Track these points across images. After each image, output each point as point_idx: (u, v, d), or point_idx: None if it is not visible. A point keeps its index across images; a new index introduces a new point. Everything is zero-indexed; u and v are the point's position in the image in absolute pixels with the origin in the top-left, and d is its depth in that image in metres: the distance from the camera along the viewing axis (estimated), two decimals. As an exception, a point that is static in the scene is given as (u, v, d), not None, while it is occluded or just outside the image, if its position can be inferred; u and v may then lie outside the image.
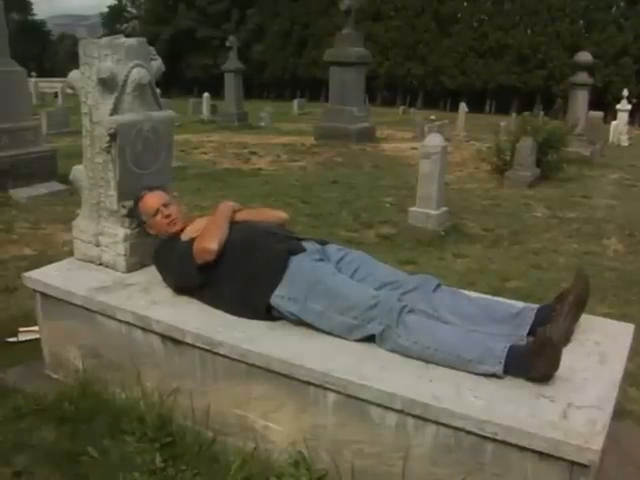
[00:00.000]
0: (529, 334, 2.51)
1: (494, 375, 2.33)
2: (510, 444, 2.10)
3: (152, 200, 3.26)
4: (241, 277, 2.83)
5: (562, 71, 36.74)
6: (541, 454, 2.05)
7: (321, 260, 2.83)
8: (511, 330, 2.55)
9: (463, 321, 2.61)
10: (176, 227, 3.22)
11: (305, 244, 2.93)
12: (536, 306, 2.68)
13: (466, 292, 2.84)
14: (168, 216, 3.22)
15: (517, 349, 2.34)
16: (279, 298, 2.73)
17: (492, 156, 11.49)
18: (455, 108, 25.85)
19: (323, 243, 3.06)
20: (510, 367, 2.31)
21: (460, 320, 2.61)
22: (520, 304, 2.77)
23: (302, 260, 2.79)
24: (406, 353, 2.47)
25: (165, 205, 3.25)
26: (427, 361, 2.44)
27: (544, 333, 2.26)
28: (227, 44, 21.45)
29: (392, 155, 14.35)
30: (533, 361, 2.25)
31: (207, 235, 2.91)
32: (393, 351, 2.50)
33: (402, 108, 34.23)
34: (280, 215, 3.33)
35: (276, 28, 51.09)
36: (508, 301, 2.86)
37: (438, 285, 2.81)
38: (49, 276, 3.43)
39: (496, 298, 2.87)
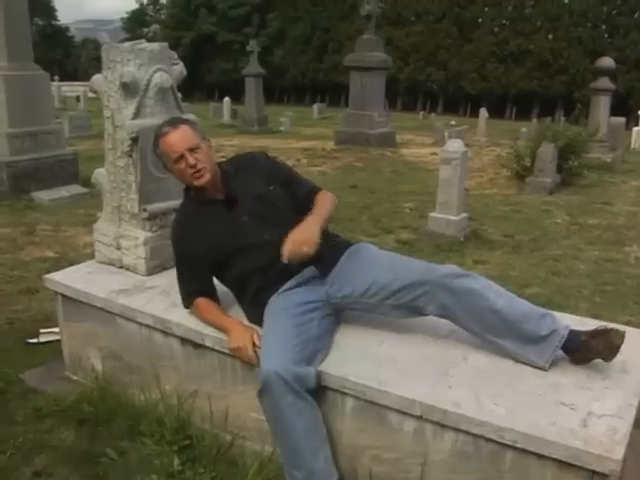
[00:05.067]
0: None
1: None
2: (530, 452, 2.08)
3: (175, 142, 2.66)
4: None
5: (583, 76, 36.57)
6: (561, 463, 2.03)
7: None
8: (534, 356, 2.40)
9: (482, 329, 2.46)
10: (202, 180, 2.67)
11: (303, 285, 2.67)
12: (565, 330, 2.40)
13: (493, 294, 2.44)
14: (194, 166, 2.64)
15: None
16: None
17: (512, 162, 11.42)
18: (475, 113, 25.76)
19: (347, 246, 2.82)
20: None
21: (479, 327, 2.47)
22: (549, 320, 2.43)
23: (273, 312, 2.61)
24: None
25: (192, 150, 2.65)
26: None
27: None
28: (248, 48, 21.53)
29: (412, 160, 14.32)
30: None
31: (199, 311, 2.84)
32: None
33: (422, 113, 34.26)
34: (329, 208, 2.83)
35: (297, 33, 51.33)
36: (537, 311, 2.45)
37: (464, 275, 2.48)
38: (70, 278, 3.45)
39: (524, 307, 2.46)
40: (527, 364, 2.41)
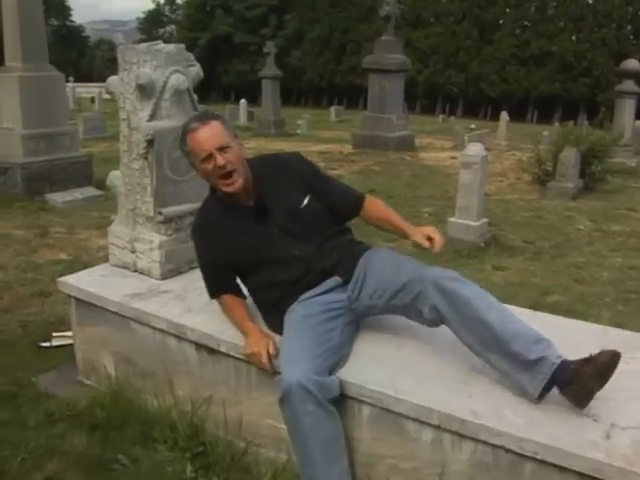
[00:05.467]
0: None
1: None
2: (550, 464, 2.06)
3: (204, 139, 2.52)
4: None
5: (608, 79, 36.35)
6: (582, 475, 2.01)
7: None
8: (526, 382, 2.23)
9: (475, 341, 2.35)
10: (233, 186, 2.56)
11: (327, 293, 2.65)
12: (557, 359, 2.21)
13: (485, 305, 2.33)
14: (223, 167, 2.51)
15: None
16: None
17: (534, 166, 11.37)
18: (496, 117, 25.69)
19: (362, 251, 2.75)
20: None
21: (472, 338, 2.35)
22: (542, 346, 2.24)
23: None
24: None
25: (221, 149, 2.51)
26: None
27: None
28: (265, 50, 21.59)
29: (431, 164, 14.29)
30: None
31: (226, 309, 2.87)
32: None
33: (442, 116, 34.16)
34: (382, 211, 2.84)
35: (314, 34, 51.39)
36: (531, 334, 2.28)
37: (457, 280, 2.40)
38: (83, 281, 3.48)
39: (518, 327, 2.31)
40: (519, 389, 2.28)
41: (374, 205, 2.84)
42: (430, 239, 2.56)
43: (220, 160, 2.50)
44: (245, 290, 2.87)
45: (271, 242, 2.63)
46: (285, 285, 2.65)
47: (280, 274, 2.64)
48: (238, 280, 2.86)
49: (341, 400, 2.45)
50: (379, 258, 2.68)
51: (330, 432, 2.34)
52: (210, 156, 2.51)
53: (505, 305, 2.44)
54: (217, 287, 2.85)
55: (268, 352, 2.54)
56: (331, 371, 2.43)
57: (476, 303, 2.32)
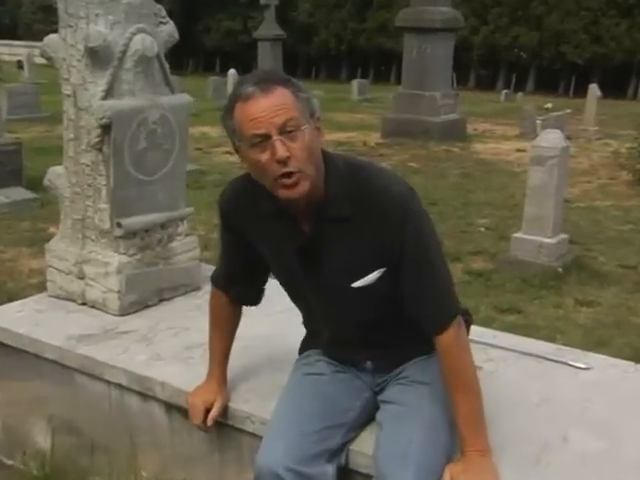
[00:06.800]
0: None
1: None
2: None
3: (261, 111, 2.18)
4: None
5: None
6: None
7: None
8: None
9: None
10: (292, 191, 2.26)
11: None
12: None
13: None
14: (284, 162, 2.19)
15: None
16: None
17: (636, 161, 11.36)
18: (582, 92, 25.64)
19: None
20: None
21: None
22: None
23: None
24: None
25: (287, 131, 2.19)
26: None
27: None
28: (261, 2, 21.73)
29: (489, 159, 14.32)
30: None
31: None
32: None
33: (505, 92, 34.13)
34: None
35: (329, -20, 51.34)
36: None
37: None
38: (9, 319, 3.50)
39: None
40: None
41: (446, 359, 2.44)
42: None
43: (281, 150, 2.17)
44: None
45: (305, 296, 2.63)
46: (309, 325, 2.79)
47: (304, 316, 2.77)
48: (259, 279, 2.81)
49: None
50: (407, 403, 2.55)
51: None
52: (266, 139, 2.18)
53: None
54: (223, 276, 2.79)
55: (208, 411, 2.68)
56: (332, 457, 2.43)
57: None
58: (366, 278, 2.42)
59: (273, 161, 2.18)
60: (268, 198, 2.39)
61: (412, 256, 2.38)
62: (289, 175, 2.20)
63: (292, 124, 2.18)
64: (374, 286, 2.44)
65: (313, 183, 2.27)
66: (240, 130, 2.23)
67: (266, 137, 2.17)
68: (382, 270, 2.41)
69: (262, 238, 2.56)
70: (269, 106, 2.16)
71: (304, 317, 2.79)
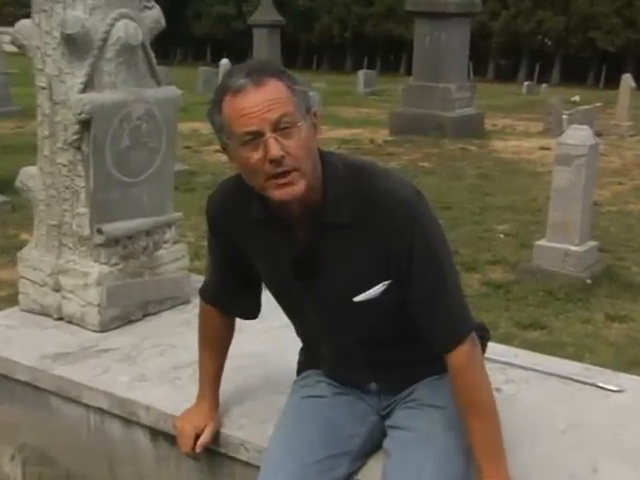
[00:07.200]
0: None
1: None
2: None
3: (252, 106, 2.17)
4: None
5: None
6: None
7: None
8: None
9: None
10: (286, 192, 2.23)
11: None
12: None
13: None
14: (277, 161, 2.17)
15: None
16: None
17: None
18: (614, 83, 25.67)
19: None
20: None
21: None
22: None
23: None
24: None
25: (281, 128, 2.18)
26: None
27: None
28: (257, -16, 21.78)
29: (509, 158, 14.34)
30: None
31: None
32: None
33: (527, 84, 34.17)
34: None
35: (333, -40, 51.39)
36: None
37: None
38: (-22, 336, 3.50)
39: None
40: None
41: (458, 380, 2.45)
42: None
43: (275, 149, 2.16)
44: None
45: (301, 311, 2.63)
46: (306, 343, 2.82)
47: (301, 333, 2.79)
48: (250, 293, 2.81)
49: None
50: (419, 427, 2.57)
51: None
52: (258, 137, 2.17)
53: None
54: (213, 288, 2.79)
55: (197, 438, 2.68)
56: None
57: None
58: (369, 292, 2.42)
59: (266, 161, 2.18)
60: (260, 202, 2.39)
61: (420, 266, 2.36)
62: (283, 174, 2.20)
63: (287, 120, 2.18)
64: (378, 300, 2.44)
65: (310, 184, 2.26)
66: (229, 126, 2.23)
67: (258, 134, 2.16)
68: (387, 282, 2.41)
69: (253, 246, 2.56)
70: (262, 100, 2.16)
71: (301, 334, 2.80)
